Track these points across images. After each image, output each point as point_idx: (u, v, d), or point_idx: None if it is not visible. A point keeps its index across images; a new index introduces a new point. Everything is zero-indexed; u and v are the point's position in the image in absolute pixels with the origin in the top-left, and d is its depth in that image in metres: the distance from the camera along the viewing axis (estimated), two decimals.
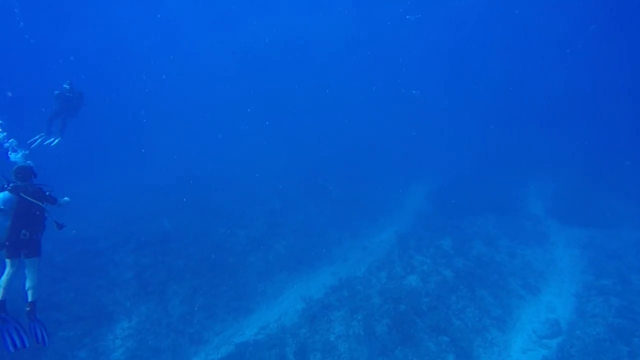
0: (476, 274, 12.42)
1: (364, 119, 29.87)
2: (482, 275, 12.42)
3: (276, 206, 18.11)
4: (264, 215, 16.94)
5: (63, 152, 12.84)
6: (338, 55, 37.82)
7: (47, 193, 5.44)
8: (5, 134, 6.09)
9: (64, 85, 11.31)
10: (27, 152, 5.93)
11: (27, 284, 5.37)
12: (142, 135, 28.70)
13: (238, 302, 12.06)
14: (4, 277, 5.24)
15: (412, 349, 9.56)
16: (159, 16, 34.53)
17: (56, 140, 11.82)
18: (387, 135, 27.49)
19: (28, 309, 5.32)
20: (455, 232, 15.42)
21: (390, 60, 35.29)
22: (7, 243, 5.14)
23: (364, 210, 18.62)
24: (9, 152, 5.85)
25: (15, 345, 5.17)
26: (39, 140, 11.58)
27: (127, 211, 16.52)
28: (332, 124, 29.25)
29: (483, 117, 29.82)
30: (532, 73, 32.83)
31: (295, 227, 16.52)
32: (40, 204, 5.28)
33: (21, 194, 5.16)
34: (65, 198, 5.79)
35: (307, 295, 12.46)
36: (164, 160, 24.40)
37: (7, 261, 5.25)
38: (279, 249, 14.80)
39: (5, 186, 5.20)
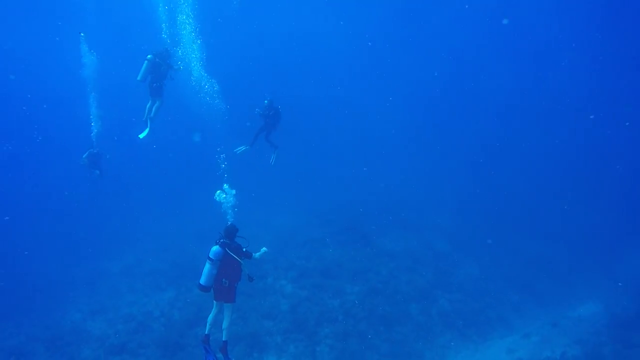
0: None
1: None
2: None
3: (444, 250, 16.10)
4: (431, 260, 15.16)
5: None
6: None
7: (244, 249, 6.30)
8: None
9: (264, 102, 11.64)
10: None
11: (224, 324, 6.46)
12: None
13: None
14: (211, 315, 6.51)
15: None
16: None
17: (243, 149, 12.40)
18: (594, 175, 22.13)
19: (222, 346, 6.42)
20: None
21: None
22: (212, 288, 6.25)
23: (552, 271, 14.93)
24: None
25: None
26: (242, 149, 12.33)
27: (292, 234, 17.01)
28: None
29: None
30: None
31: (465, 279, 14.25)
32: (239, 259, 6.18)
33: (227, 249, 6.15)
34: (262, 249, 6.68)
35: None
36: (329, 181, 24.81)
37: (214, 303, 6.43)
38: (444, 304, 12.83)
39: (217, 241, 6.23)
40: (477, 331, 11.99)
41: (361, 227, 17.64)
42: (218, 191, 7.66)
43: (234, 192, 8.23)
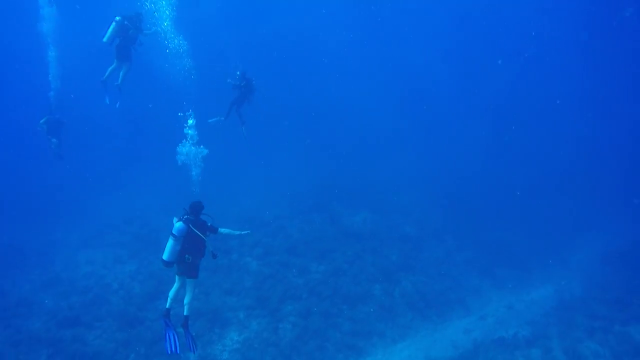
0: None
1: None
2: None
3: (410, 233, 16.37)
4: (396, 242, 15.38)
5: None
6: None
7: (209, 224, 6.25)
8: None
9: (237, 72, 11.32)
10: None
11: (185, 299, 6.40)
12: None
13: (353, 340, 10.79)
14: (172, 290, 6.47)
15: None
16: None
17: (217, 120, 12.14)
18: (553, 167, 22.99)
19: (183, 321, 6.35)
20: None
21: None
22: (175, 264, 6.19)
23: (512, 256, 15.51)
24: None
25: (171, 349, 6.15)
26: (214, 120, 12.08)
27: (260, 212, 16.81)
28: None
29: None
30: None
31: (429, 262, 14.56)
32: (203, 236, 6.10)
33: (190, 226, 6.04)
34: (226, 230, 6.50)
35: (431, 353, 10.51)
36: (300, 163, 24.62)
37: (176, 277, 6.40)
38: (407, 285, 13.06)
39: (182, 217, 6.13)
40: (437, 312, 12.31)
41: (329, 207, 17.64)
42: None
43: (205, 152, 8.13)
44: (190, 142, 10.11)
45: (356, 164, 23.89)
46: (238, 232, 6.60)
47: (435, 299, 12.71)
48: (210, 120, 12.11)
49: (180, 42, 13.97)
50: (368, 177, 21.81)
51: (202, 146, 10.24)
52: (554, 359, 9.63)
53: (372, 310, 11.85)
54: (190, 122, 9.90)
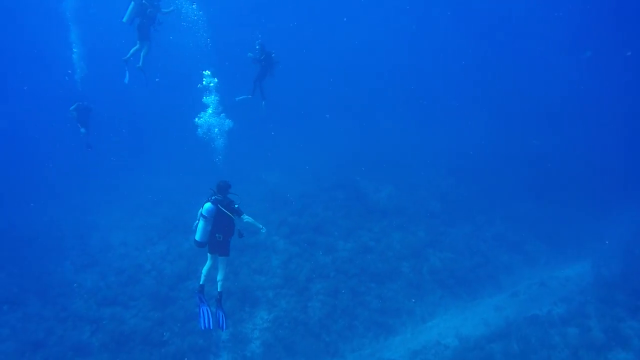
0: None
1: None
2: None
3: (436, 209, 16.03)
4: (423, 218, 15.11)
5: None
6: None
7: (236, 206, 6.33)
8: None
9: (256, 46, 11.25)
10: None
11: (218, 277, 6.53)
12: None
13: (382, 317, 10.83)
14: (205, 267, 6.60)
15: None
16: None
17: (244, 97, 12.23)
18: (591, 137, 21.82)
19: (217, 297, 6.50)
20: None
21: None
22: (207, 243, 6.37)
23: (543, 231, 14.99)
24: None
25: (205, 324, 6.27)
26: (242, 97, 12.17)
27: (284, 190, 16.80)
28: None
29: None
30: None
31: (457, 238, 14.28)
32: (231, 215, 6.22)
33: (219, 206, 6.19)
34: (249, 219, 6.44)
35: (462, 331, 10.41)
36: (322, 138, 24.29)
37: (208, 255, 6.54)
38: (436, 262, 12.89)
39: (210, 198, 6.27)
40: (467, 290, 12.13)
41: (354, 184, 17.43)
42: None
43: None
44: (212, 111, 10.28)
45: (378, 139, 23.47)
46: (260, 226, 6.57)
47: (464, 276, 12.51)
48: (237, 98, 12.17)
49: (197, 13, 13.78)
50: (391, 152, 21.40)
51: (227, 119, 10.37)
52: (593, 339, 9.32)
53: (400, 287, 11.79)
54: (208, 80, 10.07)
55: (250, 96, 11.94)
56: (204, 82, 10.34)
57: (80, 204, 17.59)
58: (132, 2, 9.94)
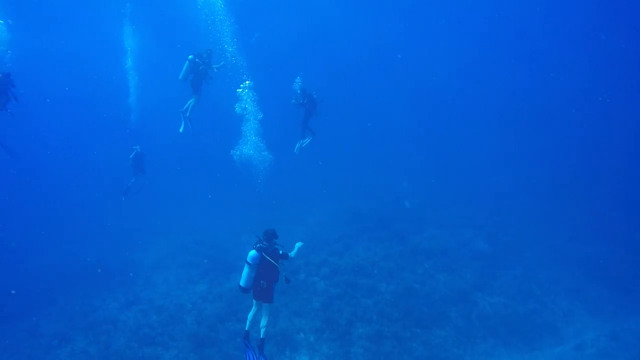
0: None
1: None
2: None
3: (483, 249, 15.22)
4: (469, 260, 14.37)
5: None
6: None
7: (281, 252, 6.54)
8: None
9: (297, 91, 11.97)
10: None
11: (262, 323, 6.75)
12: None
13: None
14: (250, 313, 6.82)
15: None
16: None
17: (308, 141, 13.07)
18: None
19: (259, 343, 6.67)
20: None
21: None
22: (251, 289, 6.56)
23: (606, 274, 13.67)
24: None
25: None
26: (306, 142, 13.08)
27: (324, 230, 16.67)
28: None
29: None
30: None
31: (507, 281, 13.37)
32: (275, 263, 6.38)
33: (264, 254, 6.35)
34: (297, 245, 7.00)
35: None
36: (360, 177, 24.20)
37: (254, 302, 6.72)
38: (485, 307, 12.04)
39: (256, 246, 6.45)
40: (523, 339, 11.12)
41: (395, 224, 17.03)
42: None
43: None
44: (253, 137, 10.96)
45: (418, 179, 23.07)
46: (301, 244, 7.06)
47: (518, 323, 11.52)
48: (295, 150, 12.99)
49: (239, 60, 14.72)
50: (431, 191, 20.92)
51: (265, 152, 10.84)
52: None
53: (448, 334, 11.02)
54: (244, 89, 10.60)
55: (304, 139, 12.75)
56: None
57: (127, 243, 18.23)
58: (187, 61, 10.92)
